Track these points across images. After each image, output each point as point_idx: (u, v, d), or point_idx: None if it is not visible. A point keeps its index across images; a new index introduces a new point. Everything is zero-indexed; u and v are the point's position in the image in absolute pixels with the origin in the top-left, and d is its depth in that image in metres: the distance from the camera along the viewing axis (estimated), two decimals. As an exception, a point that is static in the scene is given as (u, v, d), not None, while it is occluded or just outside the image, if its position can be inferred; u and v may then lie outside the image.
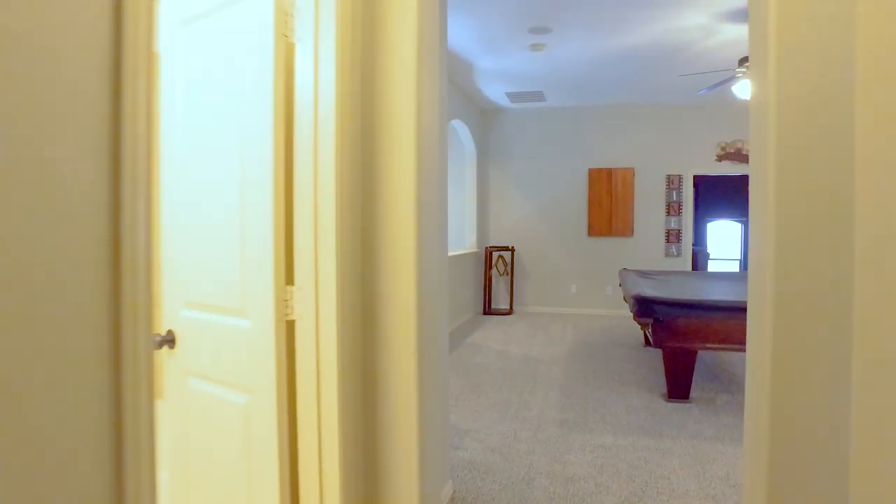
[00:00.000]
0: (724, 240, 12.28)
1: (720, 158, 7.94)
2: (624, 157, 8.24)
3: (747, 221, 12.08)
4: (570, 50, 5.81)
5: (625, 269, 6.36)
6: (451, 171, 8.78)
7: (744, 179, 11.55)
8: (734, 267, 12.21)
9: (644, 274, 6.06)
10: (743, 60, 4.68)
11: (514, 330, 7.16)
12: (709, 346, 4.01)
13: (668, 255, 8.09)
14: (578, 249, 8.42)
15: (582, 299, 8.39)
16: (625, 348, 5.98)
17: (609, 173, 8.21)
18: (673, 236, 8.06)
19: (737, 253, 12.26)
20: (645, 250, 8.19)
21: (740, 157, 7.86)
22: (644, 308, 3.92)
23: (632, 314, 4.04)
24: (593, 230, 8.28)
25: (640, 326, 3.97)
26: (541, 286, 8.55)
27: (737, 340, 3.94)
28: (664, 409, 4.05)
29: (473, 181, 8.41)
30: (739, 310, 3.81)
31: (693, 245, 8.60)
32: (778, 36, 1.51)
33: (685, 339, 4.00)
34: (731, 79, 4.95)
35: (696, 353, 4.10)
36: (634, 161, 8.22)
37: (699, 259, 10.30)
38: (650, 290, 4.18)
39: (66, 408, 0.84)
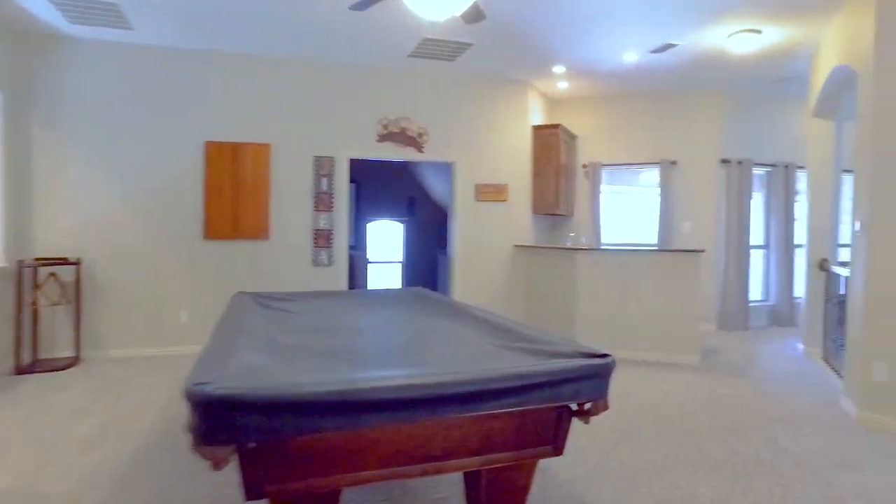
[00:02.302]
0: (383, 241, 10.97)
1: (382, 139, 6.21)
2: (256, 127, 5.85)
3: (409, 221, 11.01)
4: None
5: (241, 292, 3.95)
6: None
7: (405, 168, 10.28)
8: (396, 272, 11.00)
9: (266, 302, 3.75)
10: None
11: (61, 402, 4.08)
12: (362, 475, 1.86)
13: (316, 263, 6.00)
14: (190, 260, 5.69)
15: (196, 332, 5.68)
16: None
17: (234, 150, 5.71)
18: (323, 239, 6.00)
19: (399, 255, 11.07)
20: (286, 258, 5.94)
21: (405, 138, 6.26)
22: (216, 425, 1.55)
23: (189, 437, 1.62)
24: (212, 231, 5.66)
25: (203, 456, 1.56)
26: (132, 317, 5.54)
27: (423, 456, 1.88)
28: None
29: (-3, 147, 4.93)
30: (435, 401, 1.75)
31: (350, 248, 6.73)
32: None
33: (317, 471, 1.78)
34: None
35: (339, 494, 1.92)
36: (270, 134, 5.89)
37: (357, 266, 8.60)
38: (232, 375, 1.80)
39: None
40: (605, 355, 2.03)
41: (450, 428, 1.89)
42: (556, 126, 6.88)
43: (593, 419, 2.09)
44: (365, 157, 6.27)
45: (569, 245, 6.67)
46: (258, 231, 5.76)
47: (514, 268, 6.79)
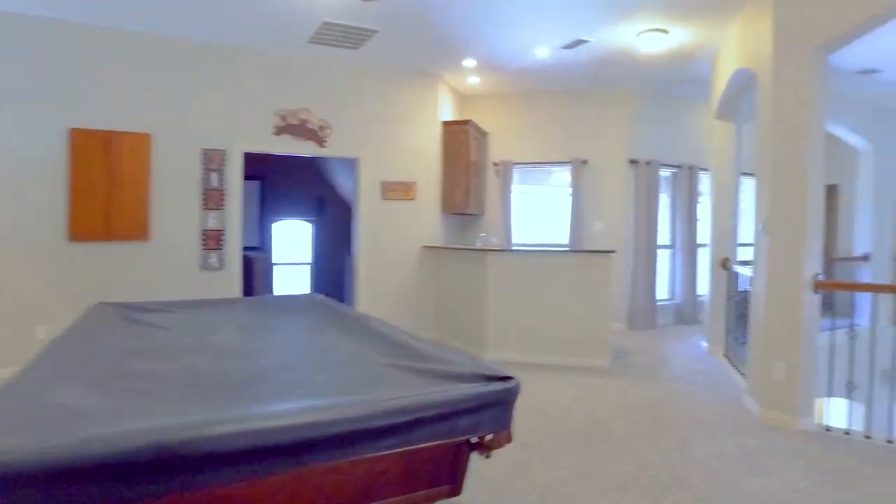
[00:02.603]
0: (290, 242, 10.35)
1: (279, 131, 5.72)
2: (133, 115, 5.20)
3: (318, 221, 10.45)
4: None
5: (103, 303, 3.40)
6: None
7: (313, 164, 9.71)
8: (305, 275, 10.41)
9: (135, 315, 3.22)
10: None
11: None
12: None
13: (205, 267, 5.43)
14: (50, 265, 4.96)
15: (60, 348, 4.95)
16: None
17: (107, 139, 5.04)
18: (213, 240, 5.44)
19: (307, 257, 10.48)
20: (170, 261, 5.33)
21: (305, 131, 5.80)
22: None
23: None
24: (80, 231, 4.97)
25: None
26: (-24, 332, 4.76)
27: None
28: None
29: None
30: (298, 448, 1.40)
31: (254, 249, 6.18)
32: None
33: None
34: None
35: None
36: (151, 123, 5.26)
37: (260, 269, 7.99)
38: (16, 427, 1.36)
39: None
40: (507, 378, 1.75)
41: (322, 474, 1.55)
42: (466, 122, 6.66)
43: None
44: (260, 151, 5.75)
45: (479, 246, 6.46)
46: (136, 231, 5.12)
47: (423, 269, 6.50)
